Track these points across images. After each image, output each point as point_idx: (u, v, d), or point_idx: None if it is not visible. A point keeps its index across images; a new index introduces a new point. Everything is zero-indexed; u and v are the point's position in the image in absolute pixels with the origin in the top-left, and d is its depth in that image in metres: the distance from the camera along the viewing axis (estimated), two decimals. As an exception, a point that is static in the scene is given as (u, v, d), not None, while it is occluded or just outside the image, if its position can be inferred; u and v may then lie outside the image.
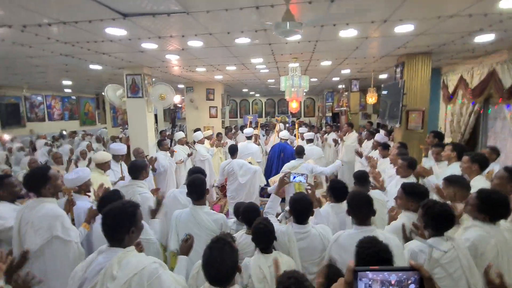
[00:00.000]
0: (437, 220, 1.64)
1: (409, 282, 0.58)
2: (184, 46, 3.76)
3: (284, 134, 5.73)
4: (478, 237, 1.72)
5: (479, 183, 2.47)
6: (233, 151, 4.44)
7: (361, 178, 2.80)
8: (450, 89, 5.74)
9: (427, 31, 3.31)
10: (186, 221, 2.23)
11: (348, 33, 3.31)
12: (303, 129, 7.22)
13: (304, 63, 5.32)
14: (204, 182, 2.34)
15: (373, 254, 1.19)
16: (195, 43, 3.62)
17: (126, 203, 1.56)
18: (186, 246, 1.79)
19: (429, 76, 4.60)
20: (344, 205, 2.42)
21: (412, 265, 0.58)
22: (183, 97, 9.04)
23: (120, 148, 4.25)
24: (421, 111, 4.64)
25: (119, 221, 1.48)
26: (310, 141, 5.71)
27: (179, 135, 5.72)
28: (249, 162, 4.51)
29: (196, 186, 2.28)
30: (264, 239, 1.77)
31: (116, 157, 4.14)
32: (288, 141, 5.69)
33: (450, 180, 2.29)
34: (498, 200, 1.75)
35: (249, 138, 5.85)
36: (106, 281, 1.37)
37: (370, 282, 0.57)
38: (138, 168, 2.90)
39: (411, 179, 2.95)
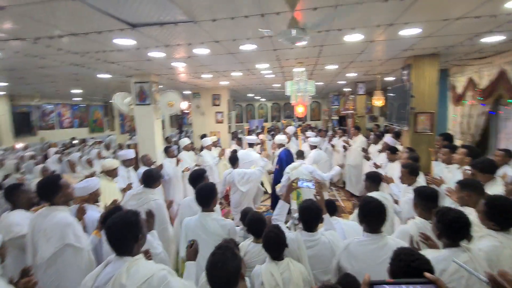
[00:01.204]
0: (451, 227, 1.58)
1: None
2: (190, 54, 3.82)
3: (281, 138, 5.57)
4: (491, 247, 1.64)
5: (491, 188, 2.41)
6: (234, 160, 4.29)
7: (375, 178, 2.81)
8: (459, 91, 5.65)
9: (434, 34, 3.28)
10: (194, 228, 2.25)
11: (354, 37, 3.31)
12: (310, 133, 7.16)
13: (309, 67, 5.32)
14: (212, 189, 2.35)
15: (417, 266, 1.16)
16: (201, 51, 3.66)
17: (127, 214, 1.57)
18: (191, 252, 1.80)
19: (436, 78, 4.54)
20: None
21: (428, 278, 0.57)
22: (189, 103, 9.14)
23: (126, 153, 4.32)
24: (429, 114, 4.57)
25: (126, 231, 1.50)
26: (314, 147, 5.64)
27: (184, 141, 5.73)
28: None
29: (203, 194, 2.30)
30: (276, 247, 1.76)
31: (125, 163, 4.20)
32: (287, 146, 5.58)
33: (464, 184, 2.21)
34: (505, 205, 1.67)
35: (251, 145, 5.48)
36: None
37: None
38: (152, 177, 2.93)
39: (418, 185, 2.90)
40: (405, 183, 2.90)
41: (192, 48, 3.53)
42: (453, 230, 1.58)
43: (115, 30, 2.70)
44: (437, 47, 4.04)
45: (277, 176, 5.06)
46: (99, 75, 5.15)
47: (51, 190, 2.17)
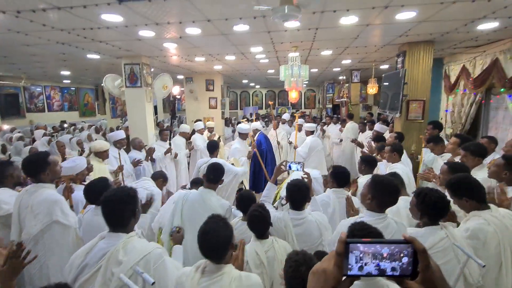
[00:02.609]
0: (434, 207, 1.61)
1: (402, 255, 0.56)
2: (182, 33, 3.71)
3: (256, 125, 5.52)
4: (476, 225, 1.68)
5: (477, 173, 2.45)
6: (213, 148, 3.79)
7: (371, 161, 2.88)
8: (452, 79, 5.67)
9: (430, 18, 3.24)
10: (193, 201, 2.25)
11: (349, 20, 3.25)
12: (301, 121, 7.13)
13: (304, 52, 5.25)
14: (223, 168, 2.36)
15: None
16: (193, 31, 3.56)
17: (125, 188, 1.57)
18: (178, 237, 1.88)
19: (430, 65, 4.53)
20: (344, 190, 2.44)
21: (406, 238, 0.56)
22: (182, 88, 8.98)
23: (117, 133, 4.24)
24: (421, 101, 4.59)
25: (124, 206, 1.49)
26: (311, 133, 5.63)
27: (184, 128, 5.62)
28: (232, 164, 3.87)
29: (215, 169, 2.31)
30: (260, 225, 1.79)
31: (116, 144, 4.13)
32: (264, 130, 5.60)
33: (453, 169, 2.24)
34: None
35: (240, 135, 4.77)
36: (111, 266, 1.38)
37: (361, 255, 0.56)
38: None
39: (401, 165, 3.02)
40: (389, 161, 3.06)
41: (183, 28, 3.42)
42: (436, 209, 1.61)
43: (101, 4, 2.59)
44: (432, 33, 4.01)
45: (256, 156, 4.95)
46: (88, 56, 4.99)
47: (39, 167, 2.13)
